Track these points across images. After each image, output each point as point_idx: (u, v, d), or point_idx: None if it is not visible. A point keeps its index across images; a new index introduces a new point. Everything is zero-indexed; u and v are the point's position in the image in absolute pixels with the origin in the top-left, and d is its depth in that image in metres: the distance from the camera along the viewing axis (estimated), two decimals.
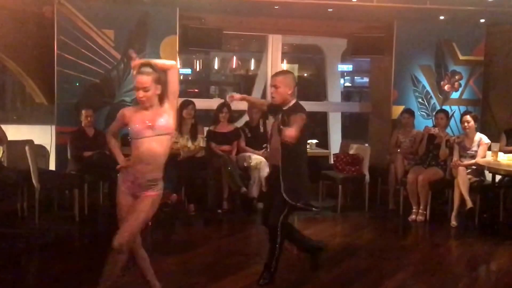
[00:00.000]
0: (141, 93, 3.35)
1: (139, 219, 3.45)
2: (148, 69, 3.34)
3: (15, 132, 6.31)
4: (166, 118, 3.40)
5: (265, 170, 6.70)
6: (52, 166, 6.74)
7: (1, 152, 6.11)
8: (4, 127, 5.91)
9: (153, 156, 3.42)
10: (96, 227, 6.12)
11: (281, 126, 3.94)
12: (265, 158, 6.89)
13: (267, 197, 4.42)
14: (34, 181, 5.75)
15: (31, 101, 7.15)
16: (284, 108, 4.06)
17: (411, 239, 6.14)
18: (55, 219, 6.05)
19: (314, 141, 7.13)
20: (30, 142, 6.06)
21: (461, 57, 7.88)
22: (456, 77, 7.92)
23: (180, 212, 6.54)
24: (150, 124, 3.36)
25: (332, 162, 7.45)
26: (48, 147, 6.75)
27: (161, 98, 3.41)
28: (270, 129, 4.14)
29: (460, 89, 7.95)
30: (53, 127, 6.80)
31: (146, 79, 3.34)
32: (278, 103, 4.08)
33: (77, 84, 6.79)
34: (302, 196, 4.11)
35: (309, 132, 4.23)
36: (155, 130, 3.37)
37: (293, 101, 4.08)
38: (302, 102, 4.20)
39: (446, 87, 7.91)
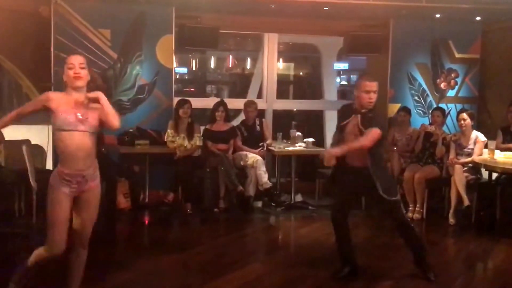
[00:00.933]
0: (77, 69, 3.25)
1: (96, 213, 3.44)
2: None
3: (12, 132, 6.23)
4: (97, 116, 3.29)
5: (262, 169, 6.73)
6: (49, 166, 6.73)
7: None
8: None
9: (86, 151, 3.27)
10: (93, 226, 6.10)
11: (362, 128, 4.10)
12: (262, 156, 6.92)
13: (339, 195, 4.46)
14: (31, 180, 5.74)
15: (28, 101, 7.13)
16: (362, 111, 4.15)
17: None
18: None
19: (311, 139, 7.14)
20: (27, 142, 6.05)
21: (457, 55, 7.89)
22: (452, 75, 7.93)
23: (176, 211, 6.56)
24: (81, 117, 3.25)
25: None
26: (45, 147, 6.73)
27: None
28: (345, 132, 4.24)
29: (456, 87, 7.96)
30: (50, 127, 6.76)
31: (80, 57, 3.33)
32: (373, 107, 4.16)
33: None
34: (395, 190, 4.37)
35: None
36: (87, 126, 3.26)
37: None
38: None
39: (442, 85, 7.92)
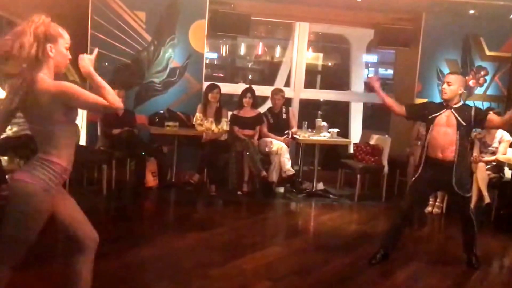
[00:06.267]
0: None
1: None
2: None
3: None
4: None
5: (286, 156, 6.85)
6: (83, 142, 6.95)
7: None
8: None
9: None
10: (122, 201, 6.35)
11: (462, 122, 4.38)
12: (286, 143, 7.03)
13: (418, 188, 4.66)
14: None
15: (65, 79, 7.32)
16: (454, 106, 4.45)
17: (426, 230, 6.20)
18: (84, 192, 6.22)
19: (336, 130, 7.22)
20: None
21: (488, 53, 7.86)
22: (482, 72, 7.91)
23: (201, 192, 6.74)
24: None
25: (352, 151, 7.55)
26: (79, 124, 6.96)
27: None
28: (434, 123, 4.49)
29: (485, 85, 7.94)
30: None
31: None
32: (446, 98, 4.45)
33: (107, 64, 6.97)
34: (470, 187, 4.76)
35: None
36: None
37: (461, 102, 4.53)
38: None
39: (471, 82, 7.90)
